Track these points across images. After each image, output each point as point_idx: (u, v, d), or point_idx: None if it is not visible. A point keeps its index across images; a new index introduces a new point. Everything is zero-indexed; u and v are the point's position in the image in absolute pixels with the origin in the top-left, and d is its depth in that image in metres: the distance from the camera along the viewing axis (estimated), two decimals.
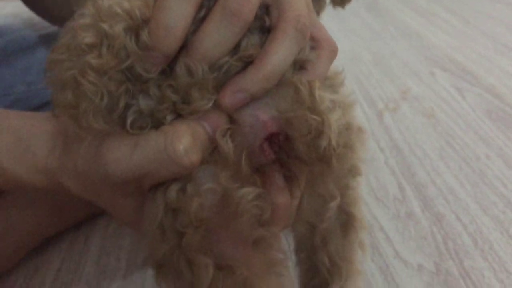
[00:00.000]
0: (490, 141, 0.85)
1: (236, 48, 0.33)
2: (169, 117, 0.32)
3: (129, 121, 0.32)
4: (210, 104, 0.32)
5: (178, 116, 0.33)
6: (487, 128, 0.89)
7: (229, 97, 0.32)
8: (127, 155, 0.31)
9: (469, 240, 0.64)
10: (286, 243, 0.63)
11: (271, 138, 0.34)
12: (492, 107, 0.95)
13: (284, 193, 0.35)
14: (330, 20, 1.53)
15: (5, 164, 0.36)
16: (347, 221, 0.44)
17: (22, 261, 0.67)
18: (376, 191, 0.75)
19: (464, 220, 0.68)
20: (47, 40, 0.75)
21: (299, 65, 0.35)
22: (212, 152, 0.33)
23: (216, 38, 0.32)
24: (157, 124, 0.32)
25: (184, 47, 0.32)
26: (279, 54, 0.33)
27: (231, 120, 0.34)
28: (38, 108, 0.70)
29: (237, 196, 0.32)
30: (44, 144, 0.36)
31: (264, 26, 0.34)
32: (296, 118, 0.33)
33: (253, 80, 0.32)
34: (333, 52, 0.37)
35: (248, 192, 0.33)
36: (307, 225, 0.43)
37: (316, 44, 0.36)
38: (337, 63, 0.39)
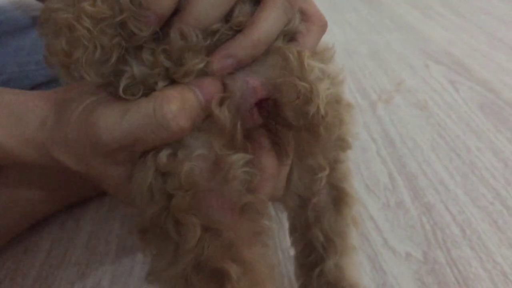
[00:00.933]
0: (481, 134, 0.85)
1: (228, 17, 0.33)
2: (160, 84, 0.33)
3: (121, 86, 0.32)
4: (203, 64, 0.33)
5: (171, 82, 0.33)
6: (479, 121, 0.89)
7: (217, 62, 0.33)
8: (117, 121, 0.31)
9: (457, 230, 0.64)
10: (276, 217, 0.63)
11: (260, 104, 0.35)
12: (485, 101, 0.96)
13: (270, 156, 0.36)
14: (325, 12, 1.51)
15: None
16: (338, 196, 0.44)
17: (12, 243, 0.67)
18: (367, 180, 0.76)
19: (453, 210, 0.68)
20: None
21: (289, 37, 0.36)
22: (205, 120, 0.33)
23: (210, 1, 0.32)
24: (149, 91, 0.32)
25: (178, 12, 0.32)
26: (267, 22, 0.34)
27: (222, 86, 0.34)
28: (30, 88, 0.70)
29: (228, 162, 0.33)
30: (36, 117, 0.36)
31: None
32: (285, 84, 0.33)
33: (241, 46, 0.33)
34: (323, 26, 0.38)
35: (239, 158, 0.33)
36: (299, 200, 0.44)
37: (306, 18, 0.37)
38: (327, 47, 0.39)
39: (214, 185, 0.33)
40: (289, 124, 0.35)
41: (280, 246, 0.64)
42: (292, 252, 0.62)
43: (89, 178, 0.37)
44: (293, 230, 0.50)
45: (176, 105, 0.31)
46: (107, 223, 0.71)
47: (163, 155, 0.32)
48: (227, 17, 0.33)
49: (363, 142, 0.85)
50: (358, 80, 1.09)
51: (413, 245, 0.63)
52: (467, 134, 0.86)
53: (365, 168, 0.79)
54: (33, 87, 0.70)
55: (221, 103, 0.33)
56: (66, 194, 0.72)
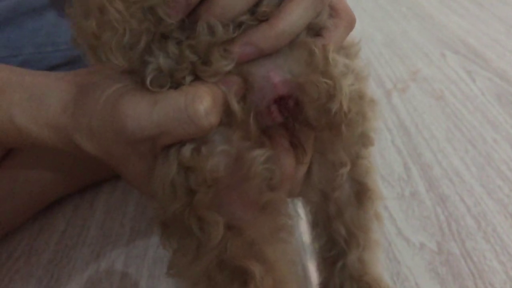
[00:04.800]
0: (498, 125, 0.84)
1: (256, 8, 0.33)
2: (188, 78, 0.32)
3: (149, 78, 0.32)
4: (231, 65, 0.32)
5: (197, 78, 0.32)
6: (496, 112, 0.88)
7: (238, 48, 0.32)
8: (146, 111, 0.31)
9: (472, 222, 0.64)
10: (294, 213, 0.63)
11: (280, 101, 0.34)
12: (502, 91, 0.95)
13: (289, 155, 0.36)
14: None
15: (17, 120, 0.36)
16: (360, 191, 0.44)
17: (27, 223, 0.68)
18: (381, 170, 0.75)
19: (468, 202, 0.68)
20: (57, 2, 0.74)
21: (315, 31, 0.35)
22: (226, 114, 0.33)
23: None
24: (176, 85, 0.32)
25: (205, 1, 0.31)
26: (294, 14, 0.33)
27: (246, 81, 0.34)
28: (47, 70, 0.70)
29: (249, 158, 0.32)
30: (57, 101, 0.36)
31: None
32: (308, 84, 0.33)
33: (264, 36, 0.32)
34: (351, 23, 0.37)
35: (260, 154, 0.33)
36: (320, 194, 0.44)
37: (334, 13, 0.36)
38: (351, 36, 0.38)
39: (236, 182, 0.33)
40: (310, 124, 0.34)
41: (293, 234, 0.64)
42: (305, 239, 0.63)
43: (110, 167, 0.37)
44: (314, 224, 0.49)
45: (208, 102, 0.31)
46: (121, 205, 0.71)
47: (187, 150, 0.32)
48: (254, 8, 0.33)
49: (378, 131, 0.85)
50: (374, 68, 1.08)
51: (427, 235, 0.63)
52: (483, 124, 0.85)
53: (380, 158, 0.78)
54: (49, 69, 0.70)
55: (237, 96, 0.33)
56: (79, 176, 0.72)
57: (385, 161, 0.77)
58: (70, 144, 0.36)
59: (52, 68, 0.71)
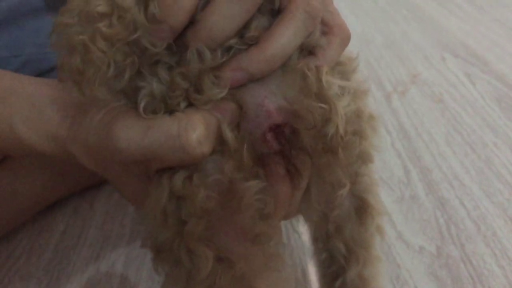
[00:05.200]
0: (498, 128, 0.84)
1: (244, 31, 0.32)
2: (182, 104, 0.32)
3: (142, 105, 0.31)
4: (223, 93, 0.32)
5: (191, 103, 0.32)
6: (496, 115, 0.88)
7: (228, 74, 0.32)
8: (139, 136, 0.31)
9: (472, 226, 0.64)
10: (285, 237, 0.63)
11: (276, 129, 0.34)
12: (502, 95, 0.95)
13: (284, 183, 0.35)
14: (342, 1, 1.51)
15: (18, 129, 0.36)
16: (361, 207, 0.43)
17: (27, 223, 0.68)
18: (381, 173, 0.75)
19: (468, 205, 0.68)
20: (57, 3, 0.74)
21: (308, 51, 0.34)
22: (219, 142, 0.33)
23: (224, 13, 0.31)
24: (171, 110, 0.32)
25: (191, 25, 0.31)
26: (284, 37, 0.32)
27: (240, 108, 0.33)
28: (48, 71, 0.70)
29: (241, 189, 0.32)
30: (57, 111, 0.36)
31: (275, 9, 0.33)
32: (303, 111, 0.32)
33: (254, 60, 0.32)
34: (345, 39, 0.36)
35: (253, 185, 0.32)
36: (319, 213, 0.43)
37: (327, 30, 0.35)
38: (349, 46, 0.38)
39: (227, 213, 0.33)
40: (306, 150, 0.34)
41: (293, 235, 0.65)
42: (304, 240, 0.63)
43: (99, 179, 0.38)
44: (314, 240, 0.49)
45: (201, 131, 0.31)
46: (122, 206, 0.71)
47: (179, 178, 0.32)
48: (242, 32, 0.32)
49: (377, 148, 0.85)
50: (374, 71, 1.08)
51: (427, 239, 0.63)
52: (483, 128, 0.85)
53: (380, 160, 0.78)
54: (52, 69, 0.70)
55: (232, 124, 0.33)
56: (80, 177, 0.72)
57: (385, 164, 0.78)
58: (69, 155, 0.36)
59: (54, 68, 0.71)
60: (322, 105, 0.32)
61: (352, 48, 0.39)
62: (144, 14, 0.30)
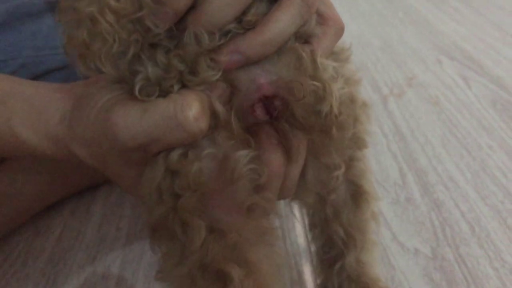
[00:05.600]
0: (493, 131, 0.85)
1: (243, 16, 0.33)
2: (176, 87, 0.33)
3: (137, 87, 0.32)
4: (218, 75, 0.33)
5: (184, 86, 0.33)
6: (491, 118, 0.89)
7: (224, 56, 0.33)
8: (136, 120, 0.32)
9: (466, 228, 0.65)
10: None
11: (266, 101, 0.34)
12: (497, 97, 0.95)
13: (276, 152, 0.36)
14: (339, 4, 1.51)
15: (17, 131, 0.36)
16: (356, 193, 0.44)
17: (24, 225, 0.68)
18: (376, 175, 0.76)
19: (462, 207, 0.68)
20: (55, 6, 0.74)
21: (303, 39, 0.36)
22: (212, 117, 0.33)
23: None
24: (165, 93, 0.33)
25: (192, 10, 0.32)
26: (281, 22, 0.33)
27: (232, 86, 0.34)
28: (44, 74, 0.70)
29: (233, 159, 0.33)
30: (56, 112, 0.36)
31: None
32: (294, 83, 0.33)
33: (251, 43, 0.33)
34: (339, 30, 0.38)
35: (244, 154, 0.33)
36: (316, 197, 0.44)
37: (322, 21, 0.37)
38: (343, 42, 0.39)
39: (220, 185, 0.34)
40: (301, 125, 0.35)
41: (289, 236, 0.65)
42: (300, 242, 0.63)
43: (106, 175, 0.38)
44: (312, 226, 0.50)
45: (197, 108, 0.32)
46: (118, 208, 0.72)
47: (175, 154, 0.33)
48: (241, 17, 0.33)
49: (373, 136, 0.85)
50: (370, 73, 1.09)
51: (421, 241, 0.63)
52: (478, 131, 0.85)
53: (375, 163, 0.79)
54: (47, 72, 0.70)
55: (221, 98, 0.33)
56: (77, 178, 0.73)
57: (381, 166, 0.78)
58: (68, 154, 0.36)
59: (51, 71, 0.71)
60: (316, 83, 0.33)
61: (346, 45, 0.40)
62: None
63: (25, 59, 0.69)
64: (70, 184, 0.72)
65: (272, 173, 0.35)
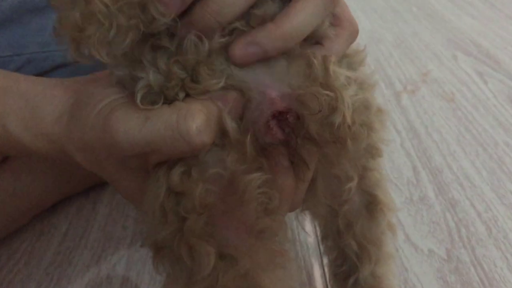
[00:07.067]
0: (510, 128, 0.82)
1: (252, 13, 0.31)
2: (181, 94, 0.31)
3: (139, 96, 0.30)
4: (221, 83, 0.31)
5: (189, 95, 0.31)
6: (508, 114, 0.86)
7: (240, 49, 0.31)
8: (137, 128, 0.30)
9: (483, 228, 0.62)
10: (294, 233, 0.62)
11: (279, 117, 0.32)
12: None
13: (288, 175, 0.34)
14: (351, 0, 1.49)
15: (11, 128, 0.35)
16: (371, 203, 0.41)
17: (29, 224, 0.67)
18: (390, 173, 0.74)
19: (478, 207, 0.66)
20: None
21: (315, 40, 0.33)
22: (221, 134, 0.31)
23: None
24: (170, 101, 0.31)
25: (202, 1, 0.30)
26: (302, 14, 0.31)
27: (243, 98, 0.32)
28: (50, 70, 0.69)
29: (243, 182, 0.31)
30: (52, 110, 0.35)
31: None
32: (307, 96, 0.31)
33: (270, 36, 0.31)
34: (353, 33, 0.36)
35: (255, 178, 0.31)
36: (328, 208, 0.42)
37: (336, 22, 0.35)
38: (357, 43, 0.37)
39: (229, 208, 0.32)
40: (313, 139, 0.33)
41: (298, 237, 0.63)
42: (310, 242, 0.62)
43: (103, 179, 0.36)
44: (324, 238, 0.47)
45: (200, 120, 0.30)
46: (124, 207, 0.70)
47: (176, 173, 0.31)
48: (250, 12, 0.31)
49: (386, 142, 0.83)
50: (383, 69, 1.06)
51: (436, 242, 0.61)
52: (495, 128, 0.83)
53: (389, 161, 0.76)
54: (53, 68, 0.69)
55: (235, 114, 0.31)
56: (83, 177, 0.71)
57: (394, 164, 0.76)
58: (64, 155, 0.35)
59: (56, 67, 0.70)
60: (328, 92, 0.31)
61: (361, 46, 0.38)
62: None
63: (31, 55, 0.68)
64: (75, 182, 0.70)
65: (283, 196, 0.34)
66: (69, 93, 0.35)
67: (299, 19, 0.31)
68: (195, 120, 0.29)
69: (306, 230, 0.64)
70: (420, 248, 0.60)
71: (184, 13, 0.30)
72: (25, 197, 0.65)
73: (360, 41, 0.37)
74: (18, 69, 0.66)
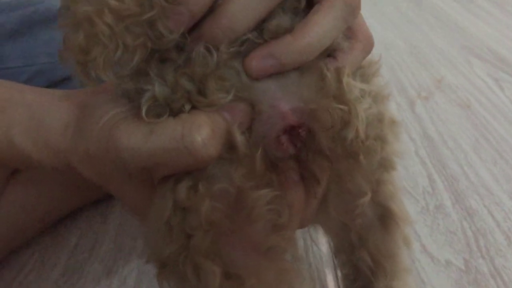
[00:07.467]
0: None
1: (264, 26, 0.30)
2: (187, 106, 0.30)
3: (144, 108, 0.29)
4: (230, 96, 0.30)
5: (195, 107, 0.30)
6: None
7: (256, 61, 0.30)
8: (141, 141, 0.29)
9: (502, 238, 0.61)
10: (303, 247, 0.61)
11: (291, 131, 0.31)
12: None
13: (298, 190, 0.33)
14: (364, 6, 1.48)
15: (16, 139, 0.34)
16: (385, 216, 0.40)
17: (39, 236, 0.66)
18: (404, 182, 0.72)
19: (497, 216, 0.64)
20: None
21: (328, 52, 0.32)
22: (229, 148, 0.30)
23: (245, 2, 0.29)
24: (176, 113, 0.30)
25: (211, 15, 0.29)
26: (322, 26, 0.30)
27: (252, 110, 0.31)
28: (60, 81, 0.69)
29: (251, 198, 0.30)
30: (58, 122, 0.34)
31: (299, 8, 0.31)
32: (320, 110, 0.30)
33: (288, 49, 0.30)
34: (368, 46, 0.35)
35: (264, 194, 0.30)
36: (340, 223, 0.40)
37: (351, 35, 0.34)
38: (372, 53, 0.36)
39: (237, 225, 0.30)
40: (325, 154, 0.32)
41: (311, 247, 0.62)
42: (323, 252, 0.60)
43: (109, 192, 0.36)
44: (337, 252, 0.46)
45: (206, 132, 0.29)
46: (134, 219, 0.69)
47: (182, 188, 0.30)
48: (262, 26, 0.30)
49: (401, 155, 0.81)
50: (397, 76, 1.05)
51: (453, 252, 0.59)
52: None
53: (403, 169, 0.75)
54: (64, 79, 0.69)
55: (243, 127, 0.30)
56: (91, 188, 0.71)
57: (408, 173, 0.74)
58: (68, 167, 0.34)
59: (66, 78, 0.70)
60: (341, 106, 0.30)
61: (375, 54, 0.37)
62: None
63: (41, 66, 0.68)
64: (85, 194, 0.70)
65: (294, 213, 0.32)
66: (75, 104, 0.35)
67: (318, 32, 0.30)
68: (201, 132, 0.29)
69: (319, 241, 0.62)
70: (437, 258, 0.58)
71: (193, 28, 0.30)
72: (34, 209, 0.65)
73: (373, 48, 0.36)
74: (29, 80, 0.67)
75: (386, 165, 0.37)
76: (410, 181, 0.72)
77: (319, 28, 0.30)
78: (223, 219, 0.30)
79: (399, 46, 1.20)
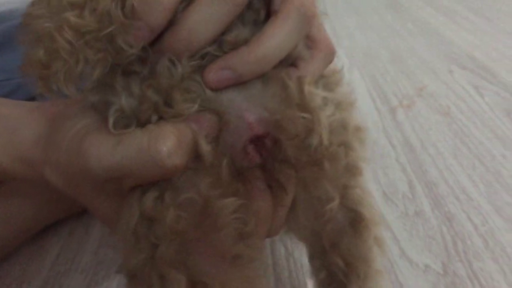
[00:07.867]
0: (507, 140, 0.81)
1: (224, 37, 0.31)
2: (154, 117, 0.31)
3: (111, 120, 0.30)
4: (195, 107, 0.30)
5: (162, 118, 0.31)
6: (505, 127, 0.85)
7: (214, 73, 0.30)
8: (109, 152, 0.30)
9: (479, 242, 0.61)
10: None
11: (257, 141, 0.32)
12: (511, 106, 0.92)
13: (265, 199, 0.33)
14: (348, 16, 1.50)
15: None
16: (355, 220, 0.40)
17: (20, 247, 0.66)
18: (385, 188, 0.73)
19: (475, 220, 0.65)
20: None
21: (290, 62, 0.33)
22: (195, 157, 0.31)
23: (204, 14, 0.30)
24: (143, 124, 0.31)
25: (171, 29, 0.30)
26: (277, 37, 0.31)
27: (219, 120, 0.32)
28: (41, 94, 0.69)
29: (217, 207, 0.30)
30: (31, 133, 0.34)
31: (258, 20, 0.32)
32: (285, 120, 0.31)
33: (243, 60, 0.30)
34: (330, 55, 0.35)
35: (230, 203, 0.30)
36: (312, 230, 0.41)
37: (312, 44, 0.34)
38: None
39: (202, 234, 0.31)
40: (290, 162, 0.32)
41: (292, 255, 0.62)
42: (304, 262, 0.60)
43: (80, 203, 0.36)
44: (310, 259, 0.46)
45: (172, 142, 0.29)
46: None
47: (149, 198, 0.30)
48: (221, 38, 0.31)
49: (381, 148, 0.83)
50: (379, 85, 1.06)
51: (432, 256, 0.60)
52: (492, 140, 0.82)
53: (384, 175, 0.76)
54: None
55: (210, 136, 0.31)
56: (74, 200, 0.71)
57: (389, 179, 0.75)
58: (41, 178, 0.34)
59: None
60: (305, 114, 0.31)
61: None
62: (120, 8, 0.28)
63: (20, 79, 0.68)
64: (67, 205, 0.70)
65: (260, 221, 0.33)
66: (47, 116, 0.35)
67: (273, 43, 0.31)
68: (166, 143, 0.29)
69: (300, 249, 0.63)
70: (415, 262, 0.59)
71: (154, 41, 0.30)
72: (17, 221, 0.65)
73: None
74: (8, 94, 0.67)
75: (352, 171, 0.37)
76: (391, 187, 0.73)
77: (274, 39, 0.30)
78: (189, 228, 0.30)
79: (382, 55, 1.21)
